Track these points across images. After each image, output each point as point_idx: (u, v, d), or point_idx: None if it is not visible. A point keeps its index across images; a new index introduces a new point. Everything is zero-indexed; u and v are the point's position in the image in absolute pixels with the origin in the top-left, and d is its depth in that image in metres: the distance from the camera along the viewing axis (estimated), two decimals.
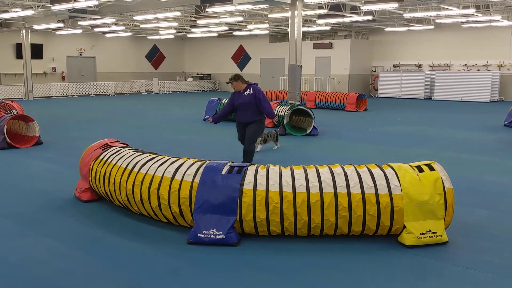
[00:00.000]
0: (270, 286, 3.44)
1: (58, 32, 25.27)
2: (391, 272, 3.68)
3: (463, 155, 8.43)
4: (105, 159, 5.26)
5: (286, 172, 4.31)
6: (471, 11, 15.75)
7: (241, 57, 29.48)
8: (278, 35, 27.30)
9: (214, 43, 30.48)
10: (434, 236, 4.13)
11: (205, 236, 4.15)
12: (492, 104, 19.43)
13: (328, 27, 22.50)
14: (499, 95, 20.62)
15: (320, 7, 16.20)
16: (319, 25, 21.27)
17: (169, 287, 3.42)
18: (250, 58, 29.02)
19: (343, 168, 4.34)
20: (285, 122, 10.95)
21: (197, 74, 31.17)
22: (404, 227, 4.14)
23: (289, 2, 13.31)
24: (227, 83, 7.43)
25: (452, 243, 4.20)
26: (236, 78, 7.12)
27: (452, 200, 4.19)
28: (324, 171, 4.30)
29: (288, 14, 14.36)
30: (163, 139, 10.40)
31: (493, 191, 6.03)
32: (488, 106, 18.64)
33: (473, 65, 21.56)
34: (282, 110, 11.59)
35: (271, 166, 4.43)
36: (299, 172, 4.31)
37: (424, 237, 4.11)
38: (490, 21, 19.16)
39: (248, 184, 4.19)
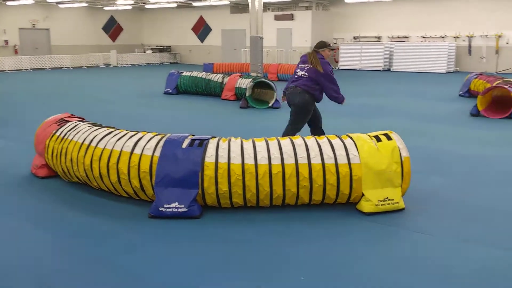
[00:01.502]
0: (234, 257, 3.48)
1: (9, 3, 24.01)
2: (350, 238, 3.79)
3: (420, 124, 8.67)
4: (61, 135, 5.11)
5: (248, 145, 4.31)
6: None
7: (202, 29, 28.97)
8: (239, 6, 26.92)
9: (173, 14, 29.77)
10: (392, 203, 4.26)
11: (167, 209, 4.14)
12: (448, 75, 19.97)
13: None
14: (455, 66, 21.19)
15: None
16: None
17: (131, 261, 3.40)
18: (211, 29, 28.56)
19: (304, 140, 4.39)
20: (247, 95, 10.91)
21: (157, 46, 30.47)
22: (363, 195, 4.25)
23: None
24: (333, 49, 6.07)
25: (408, 209, 4.36)
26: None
27: (409, 168, 4.32)
28: (285, 143, 4.33)
29: None
30: (122, 113, 10.19)
31: (448, 159, 6.25)
32: (444, 77, 19.15)
33: (430, 37, 22.00)
34: (244, 83, 11.53)
35: (233, 139, 4.43)
36: (260, 144, 4.33)
37: (382, 205, 4.24)
38: None
39: (209, 157, 4.18)
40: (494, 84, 9.89)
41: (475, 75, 12.55)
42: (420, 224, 4.08)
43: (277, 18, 24.71)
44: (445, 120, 9.24)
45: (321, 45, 5.80)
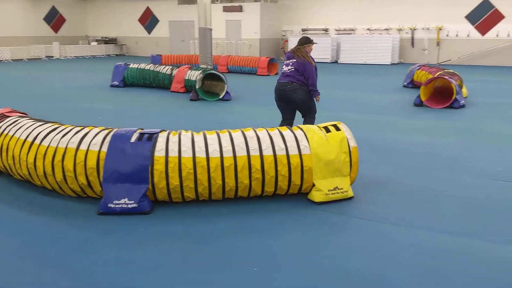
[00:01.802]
0: (186, 252, 3.44)
1: None
2: (302, 228, 3.84)
3: (366, 115, 8.90)
4: (1, 130, 4.85)
5: (199, 138, 4.27)
6: None
7: (149, 20, 28.34)
8: None
9: (119, 4, 28.93)
10: (341, 192, 4.36)
11: (116, 206, 4.03)
12: (392, 66, 20.60)
13: None
14: (399, 57, 21.89)
15: None
16: None
17: (81, 260, 3.29)
18: (158, 20, 28.00)
19: (255, 132, 4.39)
20: (197, 87, 10.79)
21: (102, 37, 29.51)
22: (314, 185, 4.32)
23: None
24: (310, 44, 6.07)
25: (357, 197, 4.47)
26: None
27: (357, 158, 4.43)
28: (237, 135, 4.32)
29: None
30: (66, 108, 9.81)
31: (394, 148, 6.46)
32: (389, 68, 19.74)
33: (376, 30, 22.59)
34: (193, 75, 11.40)
35: (183, 132, 4.37)
36: (212, 137, 4.29)
37: (331, 194, 4.32)
38: None
39: (159, 151, 4.10)
40: (435, 75, 10.30)
41: (418, 66, 13.01)
42: (368, 211, 4.19)
43: (225, 9, 24.57)
44: (390, 110, 9.53)
45: (305, 41, 6.02)
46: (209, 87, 11.56)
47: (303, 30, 24.49)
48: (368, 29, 22.73)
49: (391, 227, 3.86)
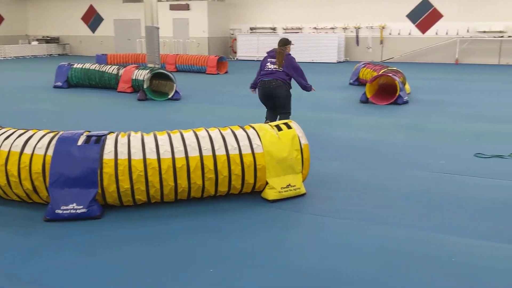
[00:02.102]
0: (139, 255, 3.37)
1: None
2: (257, 226, 3.86)
3: (316, 112, 9.06)
4: None
5: (149, 139, 4.18)
6: None
7: (93, 18, 27.49)
8: None
9: (60, 2, 27.87)
10: (294, 189, 4.41)
11: (64, 211, 3.89)
12: (339, 64, 21.07)
13: None
14: (345, 56, 22.42)
15: None
16: None
17: (29, 269, 3.15)
18: (103, 19, 27.22)
19: (207, 131, 4.36)
20: (145, 87, 10.59)
21: (43, 37, 28.34)
22: (267, 183, 4.35)
23: None
24: (289, 45, 6.60)
25: (309, 194, 4.54)
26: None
27: (308, 155, 4.50)
28: (188, 135, 4.28)
29: None
30: (7, 111, 9.35)
31: (344, 144, 6.61)
32: (335, 66, 20.18)
33: (322, 28, 23.02)
34: (141, 74, 11.18)
35: (132, 133, 4.27)
36: (163, 138, 4.22)
37: (285, 191, 4.37)
38: None
39: (108, 154, 3.99)
40: (380, 73, 10.63)
41: (363, 64, 13.38)
42: (321, 207, 4.27)
43: (172, 8, 24.24)
44: (338, 107, 9.75)
45: (285, 42, 6.60)
46: (158, 86, 11.38)
47: (251, 28, 24.59)
48: (315, 28, 23.13)
49: (343, 222, 3.95)
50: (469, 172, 5.26)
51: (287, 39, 6.63)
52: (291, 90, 6.50)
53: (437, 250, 3.43)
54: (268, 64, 6.46)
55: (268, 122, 5.99)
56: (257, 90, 6.66)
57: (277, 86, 6.33)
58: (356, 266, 3.21)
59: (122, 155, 4.00)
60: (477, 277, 3.07)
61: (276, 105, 6.52)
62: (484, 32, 20.04)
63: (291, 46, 6.57)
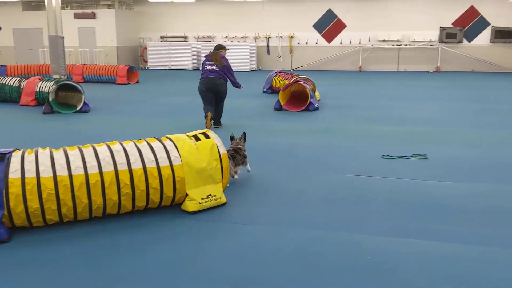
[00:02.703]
0: (49, 283, 3.16)
1: None
2: (177, 239, 3.79)
3: (232, 120, 9.13)
4: None
5: (59, 155, 3.96)
6: None
7: None
8: (32, 3, 24.49)
9: None
10: (214, 199, 4.40)
11: None
12: (252, 73, 21.43)
13: None
14: (257, 64, 22.87)
15: None
16: None
17: None
18: (0, 28, 25.36)
19: (122, 145, 4.22)
20: (50, 99, 10.01)
21: None
22: (187, 195, 4.29)
23: None
24: (224, 50, 8.34)
25: (229, 203, 4.55)
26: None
27: (227, 164, 4.52)
28: (102, 149, 4.11)
29: None
30: None
31: (260, 151, 6.71)
32: (249, 75, 20.49)
33: (233, 37, 23.30)
34: (45, 86, 10.56)
35: (40, 150, 4.01)
36: (74, 153, 4.01)
37: (205, 202, 4.34)
38: None
39: (14, 173, 3.71)
40: (291, 81, 10.97)
41: (275, 72, 13.73)
42: (241, 215, 4.30)
43: (77, 16, 23.22)
44: (254, 115, 9.91)
45: (219, 47, 8.30)
46: (65, 98, 10.82)
47: (162, 37, 24.26)
48: (226, 37, 23.35)
49: (262, 228, 4.00)
50: (377, 173, 5.58)
51: (221, 45, 8.35)
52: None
53: (353, 249, 3.60)
54: (207, 65, 8.08)
55: (210, 115, 7.96)
56: (200, 83, 8.15)
57: (221, 84, 8.09)
58: (273, 271, 3.26)
59: (30, 173, 3.75)
60: (393, 272, 3.26)
61: (217, 98, 8.16)
62: (384, 41, 21.48)
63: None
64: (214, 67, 8.03)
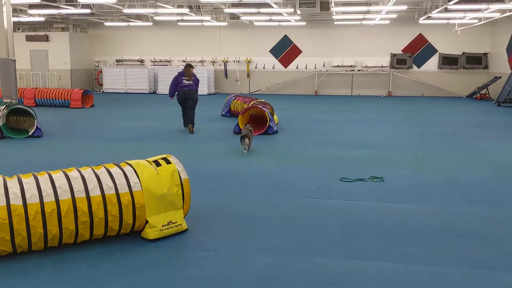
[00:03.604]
0: None
1: None
2: (137, 269, 3.70)
3: (190, 145, 9.08)
4: None
5: (12, 183, 3.80)
6: (185, 10, 16.94)
7: None
8: None
9: None
10: (175, 226, 4.34)
11: None
12: (210, 96, 21.45)
13: (42, 19, 20.76)
14: (215, 88, 22.95)
15: None
16: (32, 15, 19.40)
17: None
18: None
19: (79, 171, 4.11)
20: (1, 124, 9.63)
21: None
22: (147, 222, 4.21)
23: None
24: (192, 68, 10.90)
25: (191, 229, 4.49)
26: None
27: (189, 189, 4.47)
28: (58, 176, 3.98)
29: None
30: None
31: (221, 175, 6.70)
32: (207, 98, 20.47)
33: (191, 61, 23.34)
34: None
35: None
36: (28, 181, 3.87)
37: (166, 229, 4.27)
38: (202, 21, 21.04)
39: None
40: (250, 105, 11.07)
41: (233, 96, 13.82)
42: (203, 242, 4.25)
43: (29, 39, 22.64)
44: (213, 138, 9.90)
45: (189, 65, 10.83)
46: (16, 123, 10.45)
47: (118, 60, 23.98)
48: (184, 61, 23.35)
49: (225, 255, 3.97)
50: (336, 196, 5.68)
51: (190, 64, 10.96)
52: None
53: (314, 274, 3.62)
54: (184, 81, 10.58)
55: (190, 127, 10.69)
56: (175, 96, 10.71)
57: (193, 93, 10.67)
58: None
59: None
60: None
61: (190, 105, 10.70)
62: (338, 66, 22.12)
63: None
64: (188, 82, 10.59)
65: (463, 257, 3.95)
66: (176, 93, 10.64)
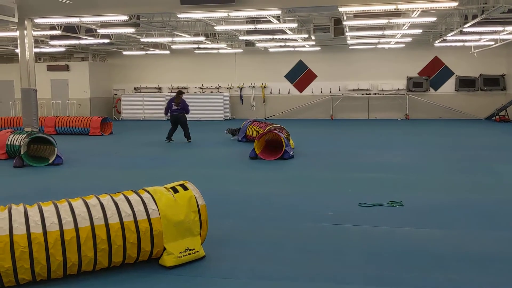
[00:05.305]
0: None
1: None
2: None
3: (208, 170, 9.12)
4: None
5: (33, 211, 3.86)
6: (201, 38, 17.26)
7: None
8: (4, 56, 24.46)
9: None
10: (193, 253, 4.32)
11: None
12: (226, 122, 21.63)
13: (63, 49, 21.33)
14: (231, 113, 23.14)
15: (52, 27, 15.22)
16: (53, 46, 19.97)
17: None
18: None
19: (98, 199, 4.15)
20: (22, 153, 9.82)
21: None
22: (164, 249, 4.21)
23: (17, 21, 12.07)
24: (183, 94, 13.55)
25: (208, 256, 4.47)
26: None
27: (206, 216, 4.47)
28: (77, 204, 4.03)
29: (16, 33, 13.00)
30: None
31: (240, 199, 6.69)
32: (223, 124, 20.64)
33: (207, 88, 23.65)
34: (17, 139, 10.38)
35: (14, 206, 3.91)
36: (48, 209, 3.92)
37: (183, 256, 4.26)
38: (217, 48, 21.39)
39: None
40: (266, 130, 11.11)
41: (249, 122, 13.90)
42: (221, 269, 4.22)
43: (50, 68, 23.25)
44: (229, 164, 9.93)
45: (180, 92, 13.41)
46: (37, 151, 10.64)
47: (136, 88, 24.41)
48: (200, 88, 23.67)
49: (243, 282, 3.94)
50: (355, 222, 5.61)
51: (181, 91, 13.59)
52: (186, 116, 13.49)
53: None
54: (174, 106, 13.24)
55: (170, 138, 13.70)
56: (169, 116, 13.44)
57: (182, 116, 13.38)
58: None
59: (2, 231, 3.63)
60: None
61: (182, 124, 13.44)
62: (354, 90, 22.15)
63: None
64: (176, 107, 13.28)
65: (488, 283, 3.84)
66: (169, 113, 13.50)
